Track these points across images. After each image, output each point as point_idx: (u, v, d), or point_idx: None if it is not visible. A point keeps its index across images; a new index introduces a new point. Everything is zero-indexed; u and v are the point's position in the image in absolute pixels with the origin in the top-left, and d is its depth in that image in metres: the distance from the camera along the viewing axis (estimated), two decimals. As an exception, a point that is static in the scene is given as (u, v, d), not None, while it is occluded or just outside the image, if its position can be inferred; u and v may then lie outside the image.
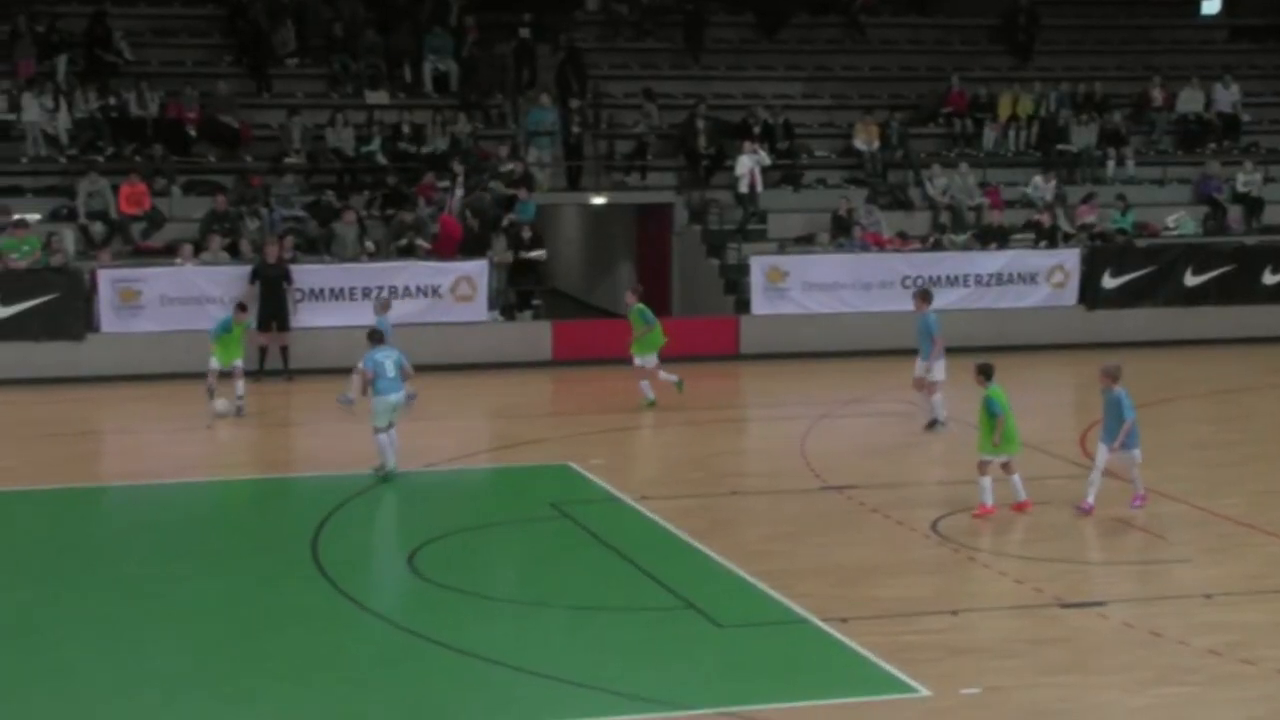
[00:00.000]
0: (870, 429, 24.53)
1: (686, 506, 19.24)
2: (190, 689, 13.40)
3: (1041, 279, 31.66)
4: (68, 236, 28.95)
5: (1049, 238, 32.39)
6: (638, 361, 25.23)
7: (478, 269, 29.44)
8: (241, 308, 25.24)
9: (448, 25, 34.66)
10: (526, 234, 30.46)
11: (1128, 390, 18.66)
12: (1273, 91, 39.00)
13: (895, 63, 38.09)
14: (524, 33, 34.52)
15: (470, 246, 29.86)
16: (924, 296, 24.11)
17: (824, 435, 23.70)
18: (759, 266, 30.73)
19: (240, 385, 24.57)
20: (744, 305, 30.91)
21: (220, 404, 24.25)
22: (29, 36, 32.12)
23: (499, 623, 15.11)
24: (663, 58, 36.67)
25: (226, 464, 22.50)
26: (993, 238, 32.18)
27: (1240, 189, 34.93)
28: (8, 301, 27.56)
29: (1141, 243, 33.04)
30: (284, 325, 27.95)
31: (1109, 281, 31.96)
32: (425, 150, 32.05)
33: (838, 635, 14.58)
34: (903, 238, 32.13)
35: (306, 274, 28.53)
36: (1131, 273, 32.06)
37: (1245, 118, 37.42)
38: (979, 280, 31.35)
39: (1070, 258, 31.90)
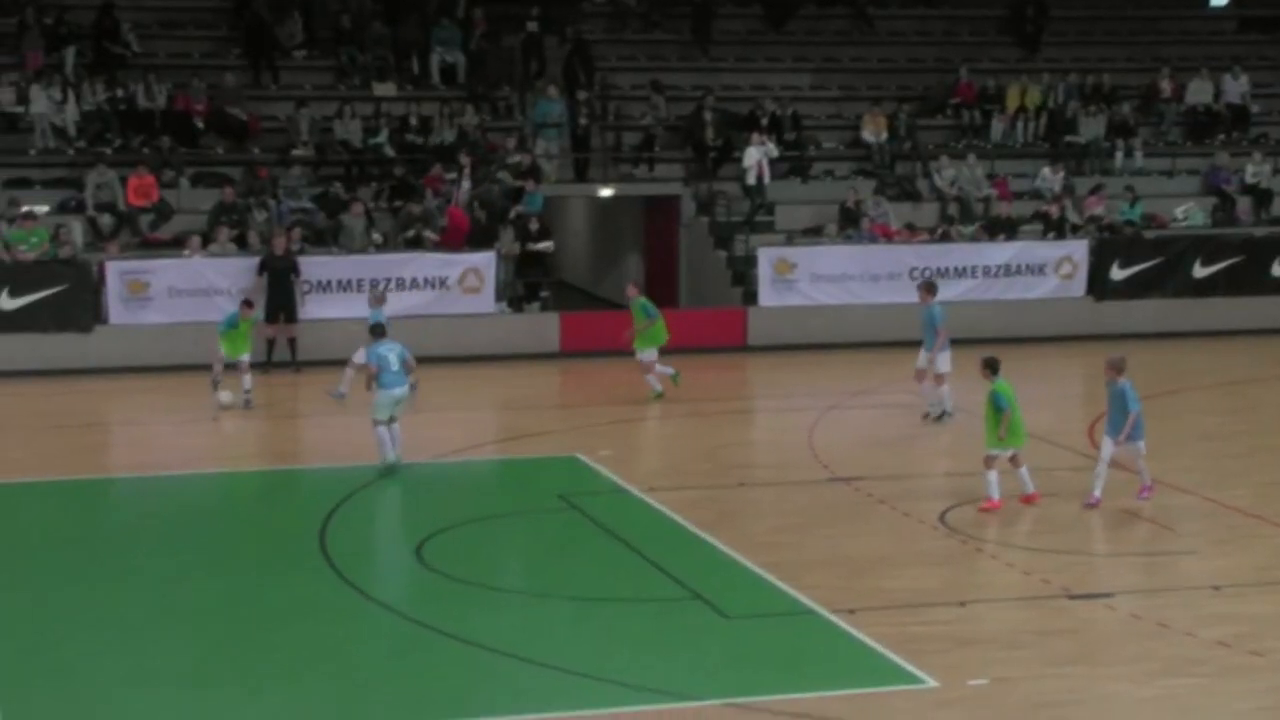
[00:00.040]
0: (878, 421, 24.51)
1: (694, 498, 19.24)
2: (197, 681, 13.40)
3: (1050, 270, 31.64)
4: (76, 228, 28.99)
5: (1057, 229, 32.37)
6: (640, 355, 25.25)
7: (485, 261, 29.45)
8: (248, 303, 25.24)
9: (455, 17, 34.70)
10: (534, 226, 30.46)
11: (1133, 382, 18.64)
12: (1282, 82, 38.99)
13: (903, 54, 38.06)
14: (531, 25, 34.50)
15: (478, 238, 29.86)
16: (929, 288, 24.10)
17: (832, 427, 23.70)
18: (767, 258, 30.73)
19: (247, 379, 24.59)
20: (751, 297, 30.89)
21: (225, 395, 24.31)
22: (37, 28, 32.17)
23: (507, 614, 15.12)
24: (670, 49, 36.66)
25: (234, 456, 22.53)
26: (1001, 229, 32.16)
27: (1249, 180, 34.87)
28: (16, 293, 27.59)
29: (1150, 234, 33.03)
30: (292, 317, 27.96)
31: (1117, 273, 31.95)
32: (433, 142, 32.07)
33: (845, 626, 14.58)
34: (911, 229, 32.08)
35: (314, 266, 28.55)
36: (1140, 264, 32.04)
37: (1254, 109, 37.34)
38: (987, 272, 31.35)
39: (1078, 249, 31.87)
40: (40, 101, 30.87)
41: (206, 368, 24.88)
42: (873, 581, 16.02)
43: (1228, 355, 29.94)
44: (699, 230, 33.05)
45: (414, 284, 28.90)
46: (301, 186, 30.88)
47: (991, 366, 18.77)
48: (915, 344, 24.05)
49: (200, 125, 31.85)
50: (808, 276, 30.70)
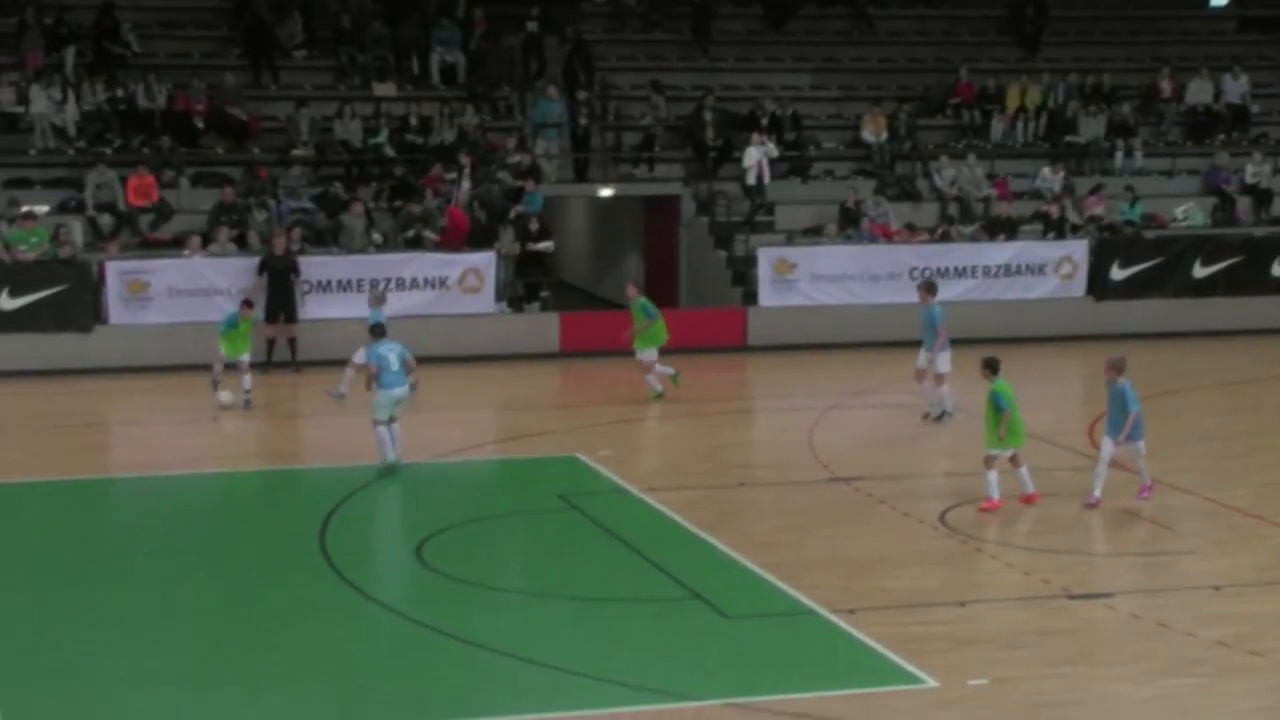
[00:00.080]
0: (878, 421, 24.50)
1: (694, 498, 19.24)
2: (197, 681, 13.39)
3: (1050, 270, 31.64)
4: (76, 228, 28.99)
5: (1057, 229, 32.36)
6: (640, 355, 25.25)
7: (485, 261, 29.45)
8: (248, 304, 25.23)
9: (455, 17, 34.70)
10: (534, 226, 30.46)
11: (1133, 382, 18.64)
12: (1282, 82, 38.99)
13: (903, 54, 38.06)
14: (531, 25, 34.50)
15: (478, 238, 29.86)
16: (928, 288, 24.11)
17: (832, 427, 23.70)
18: (767, 258, 30.73)
19: (247, 379, 24.58)
20: (751, 297, 30.89)
21: (224, 395, 24.31)
22: (37, 28, 32.17)
23: (507, 614, 15.12)
24: (670, 49, 36.66)
25: (234, 455, 22.53)
26: (1001, 229, 32.16)
27: (1249, 180, 34.87)
28: (16, 293, 27.59)
29: (1150, 234, 33.03)
30: (292, 317, 27.96)
31: (1117, 273, 31.95)
32: (433, 142, 32.07)
33: (845, 626, 14.58)
34: (911, 229, 32.08)
35: (314, 266, 28.55)
36: (1140, 264, 32.04)
37: (1254, 109, 37.33)
38: (987, 272, 31.35)
39: (1078, 249, 31.87)
40: (40, 101, 30.87)
41: (206, 368, 24.88)
42: (873, 581, 16.01)
43: (1228, 355, 29.94)
44: (699, 230, 33.05)
45: (414, 284, 28.90)
46: (301, 186, 30.87)
47: (991, 366, 18.76)
48: (915, 344, 24.04)
49: (200, 125, 31.84)
50: (808, 276, 30.70)
